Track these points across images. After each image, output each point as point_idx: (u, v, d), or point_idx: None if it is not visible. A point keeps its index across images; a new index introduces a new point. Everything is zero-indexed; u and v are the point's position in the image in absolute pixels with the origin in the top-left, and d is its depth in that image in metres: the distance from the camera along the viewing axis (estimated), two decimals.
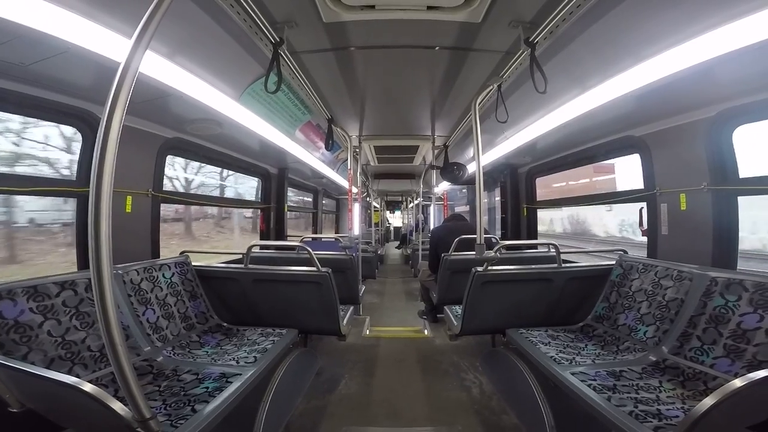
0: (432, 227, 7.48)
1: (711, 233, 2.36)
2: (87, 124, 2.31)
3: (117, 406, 1.01)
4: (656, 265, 2.30)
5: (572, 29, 1.90)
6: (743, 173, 2.32)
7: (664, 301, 2.11)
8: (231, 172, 5.03)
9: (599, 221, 16.61)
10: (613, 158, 3.45)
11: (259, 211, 5.13)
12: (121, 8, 1.54)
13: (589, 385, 1.67)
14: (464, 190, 9.05)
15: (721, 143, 2.33)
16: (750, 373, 1.07)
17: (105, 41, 1.59)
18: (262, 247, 4.25)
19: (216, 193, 6.96)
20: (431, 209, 12.15)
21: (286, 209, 5.22)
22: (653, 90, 2.05)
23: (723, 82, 1.99)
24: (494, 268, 2.54)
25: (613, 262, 2.62)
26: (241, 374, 1.79)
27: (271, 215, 5.08)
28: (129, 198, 2.58)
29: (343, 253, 3.69)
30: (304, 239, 4.71)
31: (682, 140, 2.52)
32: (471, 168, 4.81)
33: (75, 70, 1.87)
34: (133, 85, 1.00)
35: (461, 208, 9.52)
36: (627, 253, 2.67)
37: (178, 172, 5.71)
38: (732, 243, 2.34)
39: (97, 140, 0.97)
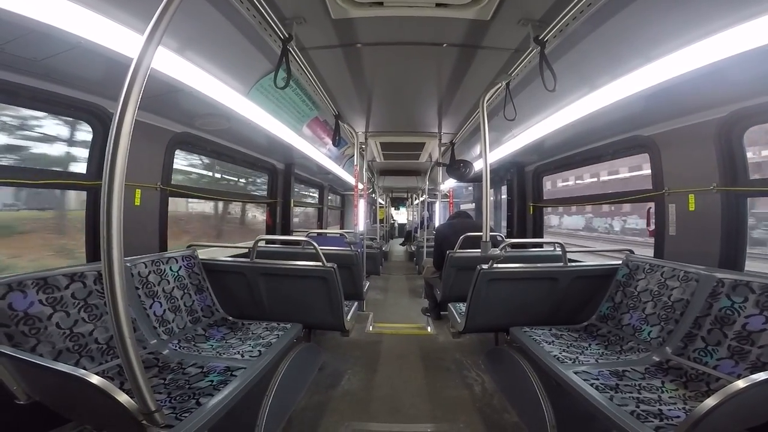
0: (437, 224, 7.50)
1: (719, 234, 2.34)
2: (98, 119, 2.33)
3: (123, 398, 1.02)
4: (663, 265, 2.29)
5: (582, 28, 1.88)
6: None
7: (670, 301, 2.10)
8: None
9: None
10: (621, 158, 3.42)
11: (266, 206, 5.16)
12: (132, 4, 1.55)
13: (591, 385, 1.67)
14: (470, 188, 9.04)
15: (731, 144, 2.30)
16: (753, 374, 1.07)
17: (116, 37, 1.61)
18: (268, 241, 4.28)
19: None
20: (436, 206, 12.16)
21: (292, 204, 5.24)
22: (663, 90, 2.03)
23: (734, 82, 1.97)
24: (499, 266, 2.54)
25: (620, 262, 2.61)
26: (245, 368, 1.81)
27: (277, 210, 5.11)
28: (138, 191, 2.60)
29: (348, 248, 3.71)
30: (310, 234, 4.73)
31: (691, 141, 2.49)
32: (477, 166, 4.79)
33: (87, 66, 1.89)
34: (146, 80, 1.01)
35: (467, 206, 9.50)
36: (634, 252, 2.66)
37: None
38: (740, 244, 2.31)
39: (109, 135, 0.98)
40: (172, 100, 2.41)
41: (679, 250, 2.60)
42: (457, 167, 4.73)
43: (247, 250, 2.80)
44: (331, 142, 4.06)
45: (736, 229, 2.31)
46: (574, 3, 1.68)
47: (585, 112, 2.59)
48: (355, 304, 3.44)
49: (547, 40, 1.96)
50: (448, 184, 7.15)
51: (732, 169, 2.31)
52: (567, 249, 2.75)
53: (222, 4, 1.74)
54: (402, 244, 14.03)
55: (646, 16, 1.68)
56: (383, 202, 14.22)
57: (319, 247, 2.61)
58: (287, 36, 2.01)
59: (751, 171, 2.28)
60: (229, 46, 2.13)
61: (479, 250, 2.35)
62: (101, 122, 2.33)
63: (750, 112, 2.17)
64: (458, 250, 3.36)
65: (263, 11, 1.78)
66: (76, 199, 2.69)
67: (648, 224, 2.91)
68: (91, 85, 2.14)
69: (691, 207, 2.51)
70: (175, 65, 1.97)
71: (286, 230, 5.16)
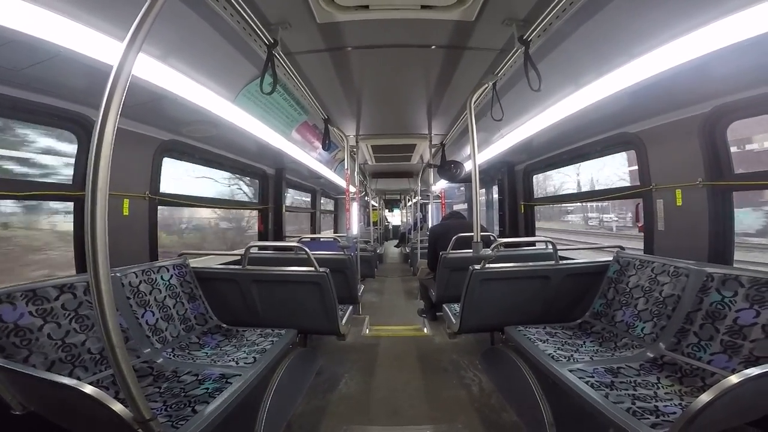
0: (430, 225, 7.52)
1: (707, 229, 2.37)
2: (82, 128, 2.30)
3: (117, 407, 1.02)
4: (653, 261, 2.31)
5: (565, 27, 1.90)
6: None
7: (661, 297, 2.12)
8: None
9: None
10: (609, 155, 3.46)
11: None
12: (112, 11, 1.53)
13: (587, 382, 1.68)
14: (462, 188, 9.06)
15: (715, 139, 2.33)
16: (747, 369, 1.07)
17: (97, 44, 1.59)
18: (260, 247, 4.26)
19: None
20: (429, 207, 12.16)
21: (284, 210, 5.22)
22: (647, 86, 2.05)
23: (717, 77, 1.99)
24: (492, 265, 2.54)
25: (610, 259, 2.63)
26: (240, 375, 1.80)
27: (269, 216, 5.08)
28: (126, 201, 2.57)
29: (342, 252, 3.69)
30: (302, 239, 4.72)
31: (677, 136, 2.52)
32: (468, 166, 4.80)
33: (68, 74, 1.86)
34: (127, 87, 1.00)
35: (459, 206, 9.53)
36: (624, 249, 2.68)
37: None
38: (728, 238, 2.34)
39: (91, 144, 0.97)
40: (158, 108, 2.39)
41: (669, 245, 2.62)
42: (448, 168, 4.74)
43: (239, 257, 2.77)
44: (321, 147, 4.06)
45: (723, 223, 2.34)
46: (557, 2, 1.69)
47: (571, 110, 2.61)
48: (351, 307, 3.43)
49: (531, 39, 1.97)
50: (440, 185, 7.18)
51: (717, 164, 2.34)
52: (558, 247, 2.77)
53: (204, 10, 1.72)
54: (396, 246, 14.02)
55: (628, 13, 1.70)
56: (377, 205, 14.23)
57: (312, 252, 2.60)
58: (272, 41, 1.99)
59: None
60: (213, 53, 2.11)
61: (472, 251, 2.36)
62: (85, 131, 2.30)
63: (732, 107, 2.20)
64: (451, 251, 3.36)
65: (247, 17, 1.76)
66: None
67: (637, 220, 2.94)
68: (74, 94, 2.12)
69: (679, 202, 2.54)
70: (159, 73, 1.95)
71: (279, 236, 5.13)
